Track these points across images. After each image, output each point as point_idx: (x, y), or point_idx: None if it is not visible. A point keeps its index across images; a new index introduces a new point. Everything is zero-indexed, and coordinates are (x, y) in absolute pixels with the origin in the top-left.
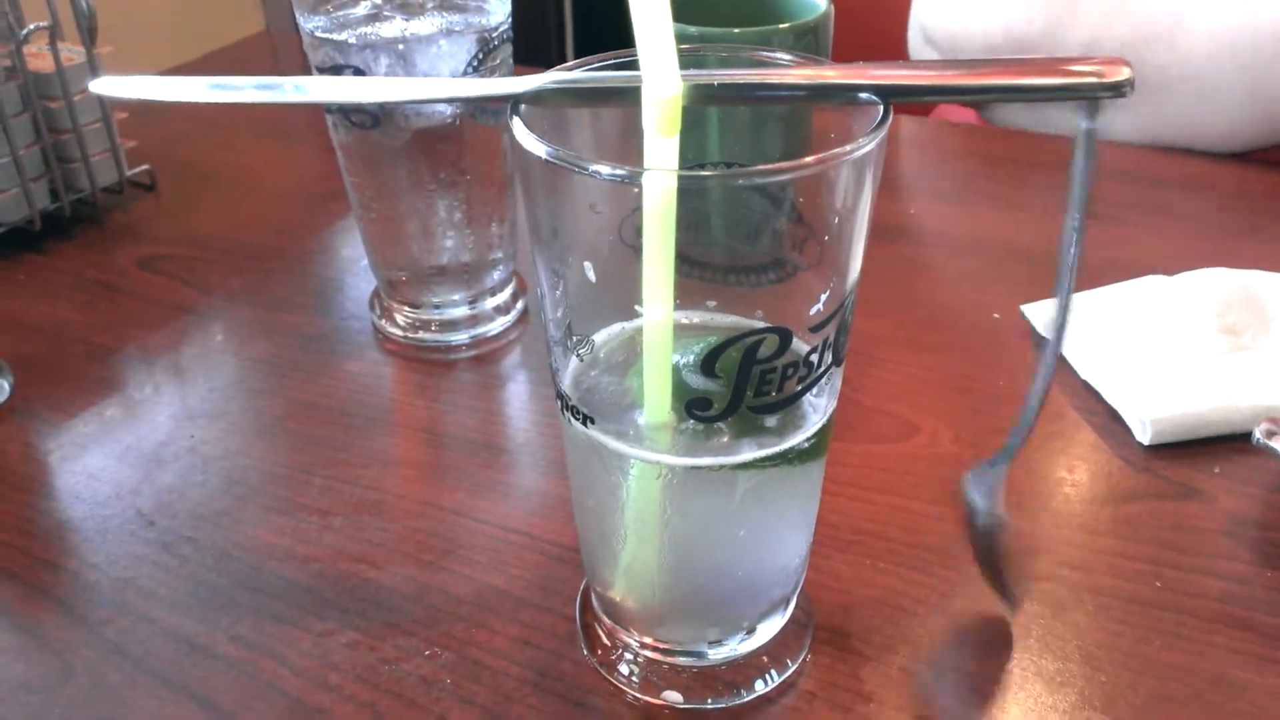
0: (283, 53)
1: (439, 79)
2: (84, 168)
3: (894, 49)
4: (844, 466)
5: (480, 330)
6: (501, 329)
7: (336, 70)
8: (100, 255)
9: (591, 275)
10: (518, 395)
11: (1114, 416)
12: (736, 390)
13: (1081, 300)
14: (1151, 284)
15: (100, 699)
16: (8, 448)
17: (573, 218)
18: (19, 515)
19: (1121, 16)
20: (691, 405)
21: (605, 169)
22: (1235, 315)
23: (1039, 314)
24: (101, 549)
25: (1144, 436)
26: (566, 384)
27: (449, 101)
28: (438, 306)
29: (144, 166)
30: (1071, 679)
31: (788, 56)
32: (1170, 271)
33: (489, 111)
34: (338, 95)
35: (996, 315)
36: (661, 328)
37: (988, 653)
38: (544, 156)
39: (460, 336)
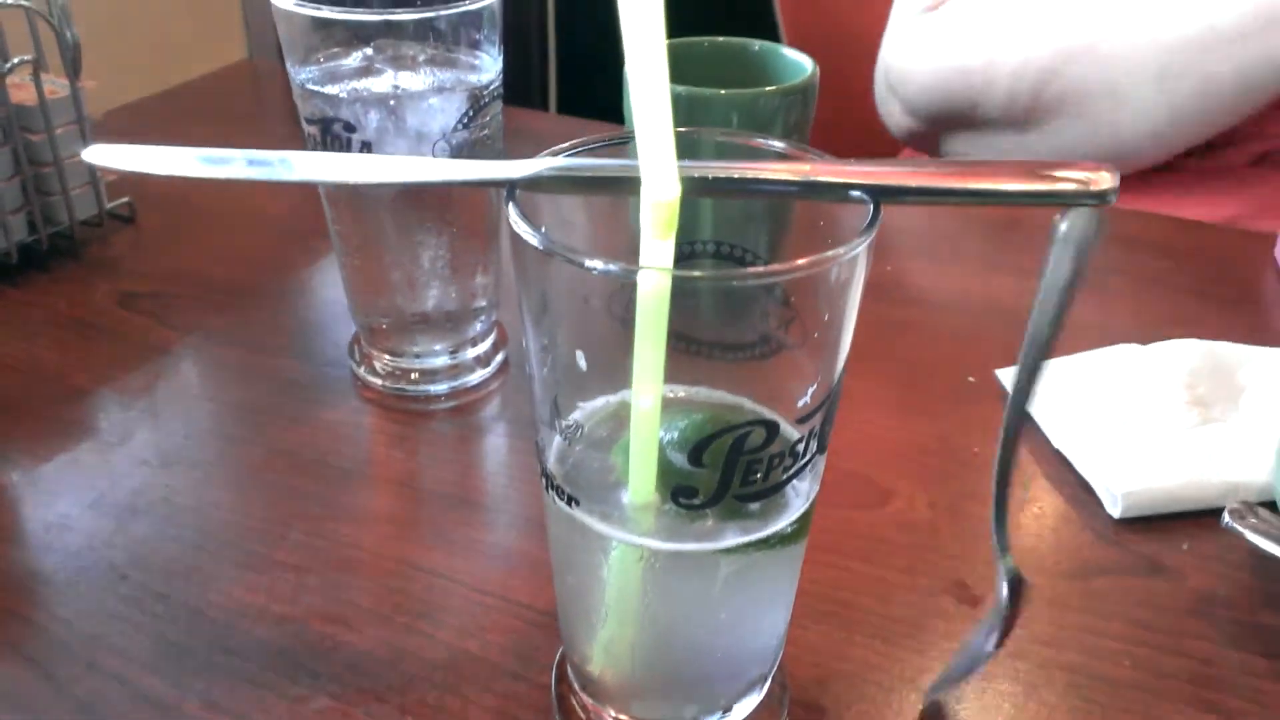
0: (265, 82)
1: (434, 161)
2: (63, 200)
3: (866, 95)
4: (820, 533)
5: (460, 381)
6: (481, 379)
7: (326, 123)
8: (77, 291)
9: (583, 364)
10: (496, 449)
11: (1084, 487)
12: (723, 479)
13: (1054, 367)
14: (1124, 353)
15: None
16: None
17: (565, 299)
18: None
19: (1045, 39)
20: (677, 493)
21: (599, 264)
22: (1204, 387)
23: (1013, 379)
24: (72, 603)
25: (1114, 510)
26: (551, 463)
27: (445, 185)
28: (419, 355)
29: (124, 199)
30: None
31: (780, 145)
32: (1144, 339)
33: None
34: (328, 174)
35: (971, 379)
36: (649, 416)
37: None
38: (538, 247)
39: (440, 387)
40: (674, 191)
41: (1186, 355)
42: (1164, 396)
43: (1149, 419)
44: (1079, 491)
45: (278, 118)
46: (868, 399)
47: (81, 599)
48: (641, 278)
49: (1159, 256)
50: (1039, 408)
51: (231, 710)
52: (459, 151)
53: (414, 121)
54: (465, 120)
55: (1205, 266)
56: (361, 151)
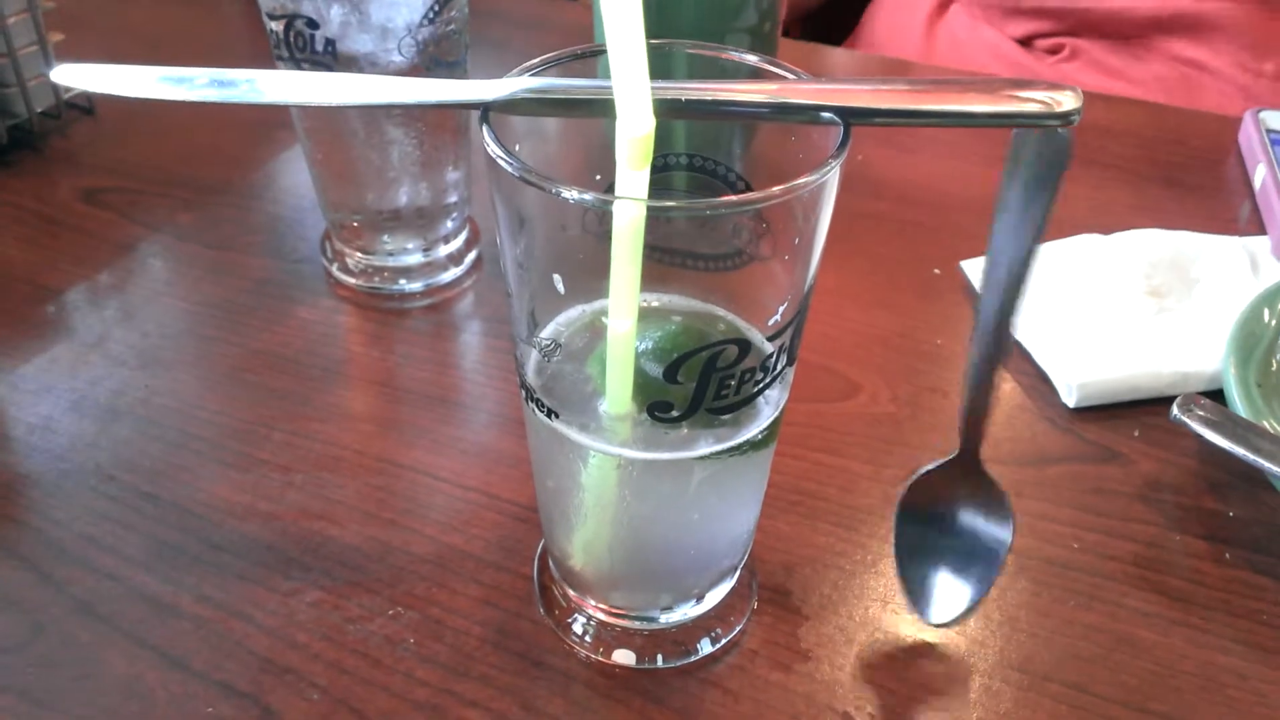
0: None
1: (406, 81)
2: (20, 92)
3: None
4: (788, 426)
5: (434, 279)
6: (455, 277)
7: (288, 19)
8: (41, 186)
9: (560, 288)
10: (472, 347)
11: (1042, 377)
12: (696, 394)
13: None
14: (1086, 243)
15: (72, 658)
16: None
17: (541, 219)
18: None
19: None
20: (653, 408)
21: (575, 194)
22: (1162, 277)
23: (977, 270)
24: (62, 505)
25: (1070, 399)
26: (530, 376)
27: (418, 106)
28: (391, 253)
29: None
30: (991, 638)
31: (753, 60)
32: (1107, 228)
33: (444, 63)
34: (297, 96)
35: (936, 271)
36: (626, 338)
37: (916, 612)
38: (514, 174)
39: (414, 285)
40: (649, 126)
41: (1146, 245)
42: (1123, 287)
43: (1107, 310)
44: (1036, 382)
45: (235, 0)
46: (835, 293)
47: (71, 501)
48: (617, 208)
49: (1124, 143)
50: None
51: (226, 605)
52: (425, 47)
53: (378, 16)
54: (431, 15)
55: (1169, 152)
56: (325, 48)
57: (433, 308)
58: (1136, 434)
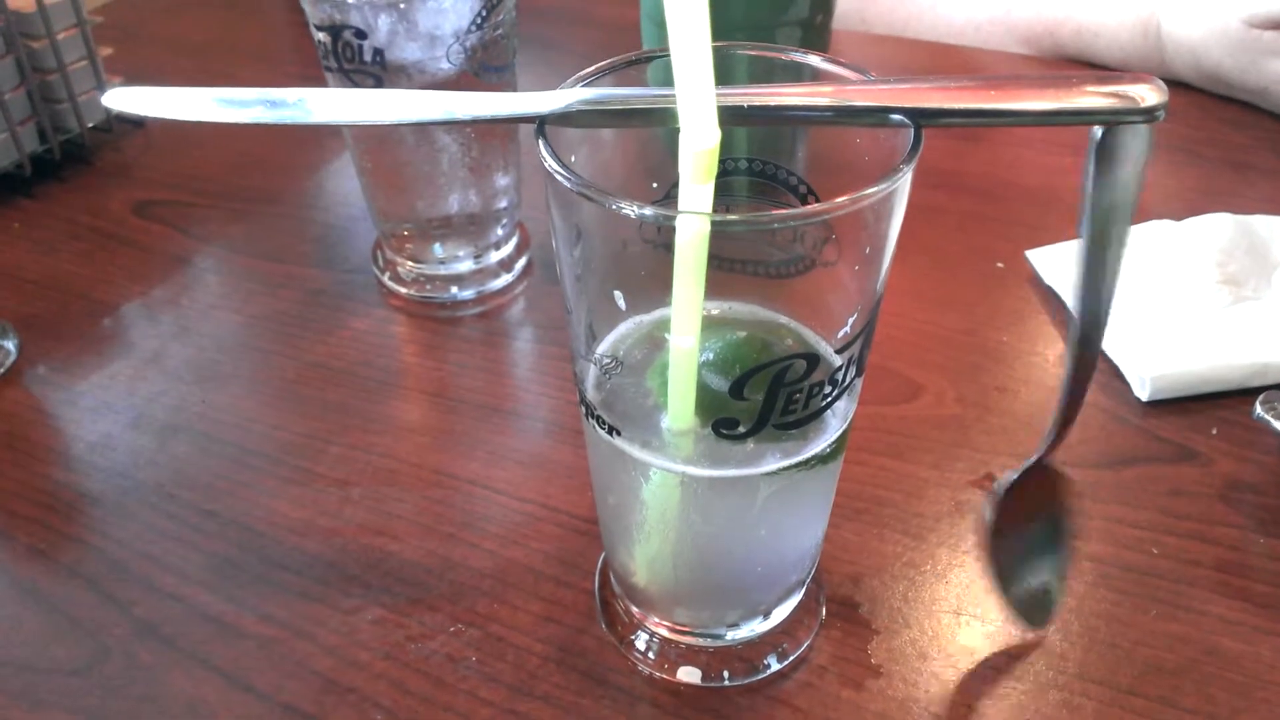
0: None
1: (459, 95)
2: (71, 107)
3: None
4: (851, 430)
5: (486, 286)
6: (506, 284)
7: (335, 29)
8: (94, 200)
9: (621, 304)
10: (524, 355)
11: (1115, 372)
12: (764, 410)
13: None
14: (1157, 229)
15: (137, 680)
16: (20, 414)
17: (599, 232)
18: (39, 487)
19: None
20: (719, 424)
21: (636, 208)
22: (1237, 264)
23: (1044, 260)
24: (124, 524)
25: (1143, 393)
26: (589, 391)
27: (471, 123)
28: (443, 261)
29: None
30: (1071, 649)
31: (815, 61)
32: (1178, 214)
33: (493, 69)
34: (349, 115)
35: (1000, 264)
36: (688, 355)
37: (989, 623)
38: (572, 189)
39: (466, 293)
40: (714, 139)
41: (1219, 231)
42: (1196, 276)
43: (1180, 300)
44: (1110, 378)
45: (282, 8)
46: (893, 290)
47: (132, 519)
48: (681, 223)
49: (1190, 126)
50: (1068, 288)
51: (289, 625)
52: (473, 53)
53: (426, 24)
54: (479, 20)
55: (1240, 135)
56: (373, 58)
57: (485, 315)
58: (1214, 431)
